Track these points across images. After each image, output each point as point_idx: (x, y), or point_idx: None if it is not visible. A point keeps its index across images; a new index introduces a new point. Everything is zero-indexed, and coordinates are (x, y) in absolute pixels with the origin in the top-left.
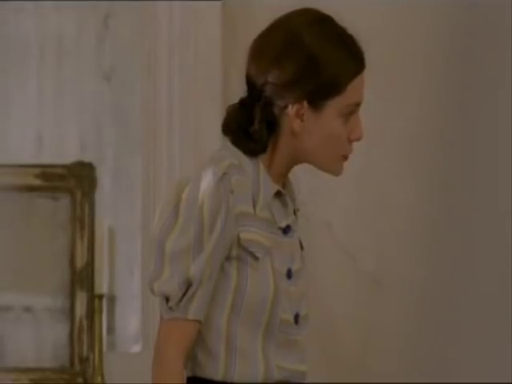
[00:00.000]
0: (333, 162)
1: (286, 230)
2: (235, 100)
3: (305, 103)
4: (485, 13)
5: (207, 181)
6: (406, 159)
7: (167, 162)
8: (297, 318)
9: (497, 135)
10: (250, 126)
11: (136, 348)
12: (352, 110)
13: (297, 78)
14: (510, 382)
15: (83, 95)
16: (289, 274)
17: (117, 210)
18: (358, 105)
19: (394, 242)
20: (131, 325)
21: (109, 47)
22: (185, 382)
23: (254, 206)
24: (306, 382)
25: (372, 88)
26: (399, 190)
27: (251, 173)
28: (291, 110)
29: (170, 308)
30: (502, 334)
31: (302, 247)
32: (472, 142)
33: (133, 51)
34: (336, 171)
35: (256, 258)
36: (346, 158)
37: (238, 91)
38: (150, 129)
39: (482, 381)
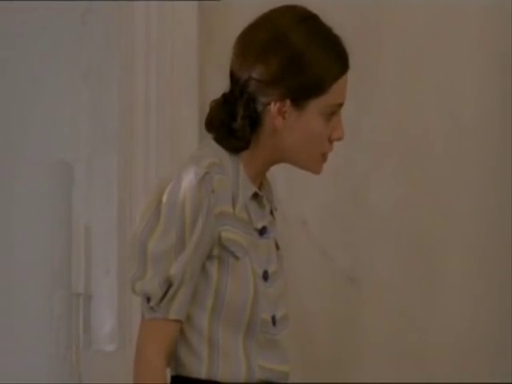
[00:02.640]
0: (312, 161)
1: (262, 232)
2: (212, 99)
3: (287, 101)
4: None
5: (188, 180)
6: (382, 157)
7: (143, 162)
8: (273, 319)
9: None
10: (233, 122)
11: (111, 347)
12: (334, 111)
13: (280, 76)
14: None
15: (60, 93)
16: (265, 276)
17: (93, 209)
18: (340, 105)
19: (369, 239)
20: (107, 323)
21: (86, 46)
22: (168, 381)
23: (234, 206)
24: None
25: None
26: (375, 188)
27: (231, 172)
28: (273, 107)
29: (151, 308)
30: (482, 330)
31: (277, 247)
32: (449, 139)
33: (110, 50)
34: (316, 170)
35: (236, 258)
36: (324, 157)
37: (215, 90)
38: (126, 128)
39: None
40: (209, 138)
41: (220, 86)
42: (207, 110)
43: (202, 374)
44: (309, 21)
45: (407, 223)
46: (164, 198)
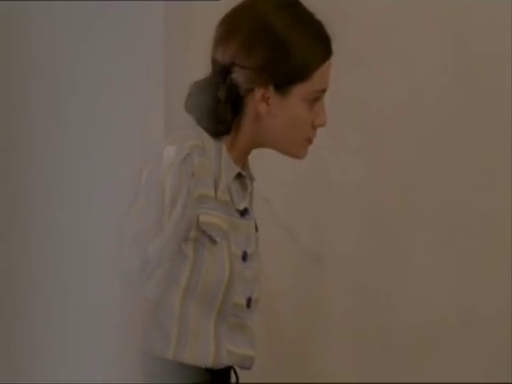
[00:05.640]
0: (296, 146)
1: (244, 213)
2: (178, 93)
3: (271, 87)
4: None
5: (169, 161)
6: (344, 134)
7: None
8: (249, 301)
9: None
10: (215, 106)
11: None
12: (317, 96)
13: (264, 63)
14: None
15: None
16: (244, 257)
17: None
18: (323, 91)
19: (333, 217)
20: None
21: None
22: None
23: (216, 190)
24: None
25: None
26: (337, 165)
27: (213, 155)
28: (257, 93)
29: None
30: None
31: (256, 229)
32: (412, 117)
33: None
34: (299, 154)
35: (214, 242)
36: (310, 141)
37: (181, 87)
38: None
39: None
40: (190, 120)
41: (187, 80)
42: (172, 101)
43: (169, 354)
44: (291, 7)
45: (371, 201)
46: (144, 176)
